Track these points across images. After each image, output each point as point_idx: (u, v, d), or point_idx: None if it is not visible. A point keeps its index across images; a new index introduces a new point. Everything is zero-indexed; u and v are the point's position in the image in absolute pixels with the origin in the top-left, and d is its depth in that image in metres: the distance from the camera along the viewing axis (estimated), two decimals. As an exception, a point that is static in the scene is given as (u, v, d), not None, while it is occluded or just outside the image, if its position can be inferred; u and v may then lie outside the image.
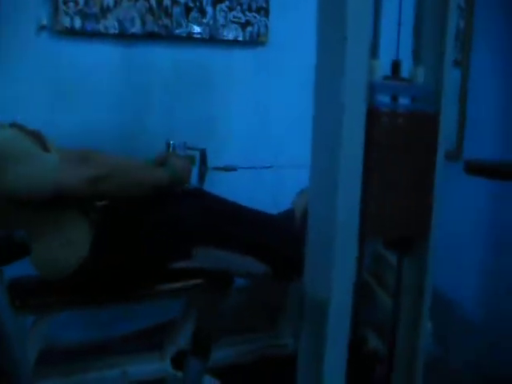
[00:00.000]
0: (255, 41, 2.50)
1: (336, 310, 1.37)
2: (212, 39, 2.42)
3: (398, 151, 1.41)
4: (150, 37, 2.31)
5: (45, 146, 1.77)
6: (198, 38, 2.39)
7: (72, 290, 1.74)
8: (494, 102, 2.28)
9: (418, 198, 1.52)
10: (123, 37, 2.26)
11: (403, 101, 1.48)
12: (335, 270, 1.35)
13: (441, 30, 1.57)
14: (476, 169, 1.39)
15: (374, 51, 1.39)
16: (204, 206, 1.81)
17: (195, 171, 1.95)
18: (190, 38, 2.37)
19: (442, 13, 1.55)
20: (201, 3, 2.38)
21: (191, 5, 2.36)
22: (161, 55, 2.35)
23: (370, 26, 1.33)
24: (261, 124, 2.57)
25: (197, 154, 1.99)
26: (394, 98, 1.39)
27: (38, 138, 1.76)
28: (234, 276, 1.50)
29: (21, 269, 1.50)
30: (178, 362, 1.45)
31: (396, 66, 1.42)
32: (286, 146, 2.58)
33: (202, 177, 1.98)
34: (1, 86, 2.12)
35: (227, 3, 2.42)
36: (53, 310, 1.82)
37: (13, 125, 1.79)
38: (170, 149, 1.97)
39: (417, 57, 1.50)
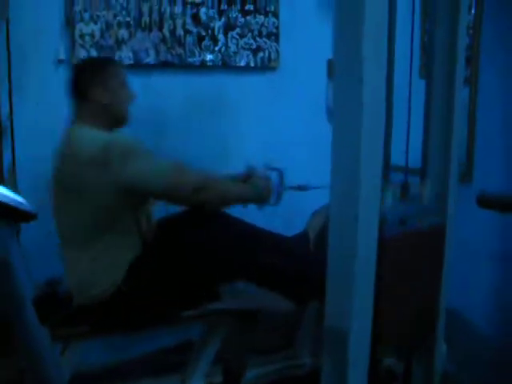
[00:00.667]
0: (266, 66, 2.56)
1: (356, 339, 1.44)
2: (224, 66, 2.48)
3: (410, 265, 1.54)
4: (164, 66, 2.37)
5: None
6: (210, 66, 2.46)
7: (103, 315, 1.78)
8: (502, 120, 2.32)
9: (427, 304, 1.66)
10: (138, 67, 2.33)
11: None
12: (355, 303, 1.42)
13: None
14: (488, 203, 1.45)
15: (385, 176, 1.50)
16: (235, 236, 1.88)
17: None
18: (203, 66, 2.44)
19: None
20: (213, 31, 2.44)
21: (203, 33, 2.42)
22: (175, 83, 2.41)
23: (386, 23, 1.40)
24: (270, 145, 2.62)
25: (275, 174, 2.08)
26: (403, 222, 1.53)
27: None
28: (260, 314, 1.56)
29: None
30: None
31: (404, 188, 1.61)
32: (297, 168, 2.64)
33: (279, 196, 2.06)
34: (21, 116, 2.18)
35: (238, 30, 2.49)
36: (84, 338, 1.87)
37: None
38: (252, 169, 2.10)
39: (423, 175, 1.64)
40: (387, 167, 1.55)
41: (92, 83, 1.89)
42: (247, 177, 2.09)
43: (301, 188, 2.16)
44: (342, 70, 1.43)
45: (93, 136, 1.81)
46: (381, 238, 1.41)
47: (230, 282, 1.95)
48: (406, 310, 1.58)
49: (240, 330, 1.40)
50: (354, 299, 1.44)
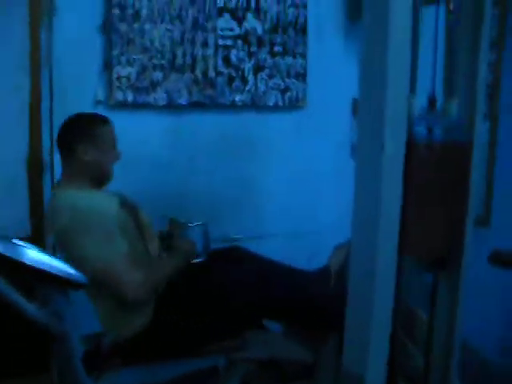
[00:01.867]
0: (294, 105, 2.66)
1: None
2: (254, 105, 2.58)
3: (435, 179, 1.51)
4: (196, 106, 2.48)
5: (137, 220, 1.99)
6: (240, 105, 2.56)
7: (134, 351, 1.88)
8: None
9: (453, 220, 1.60)
10: (171, 107, 2.44)
11: (438, 132, 1.64)
12: (371, 349, 1.50)
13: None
14: (500, 260, 1.50)
15: (412, 87, 1.53)
16: (253, 278, 1.96)
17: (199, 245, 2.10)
18: (233, 106, 2.55)
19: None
20: (242, 72, 2.55)
21: (234, 74, 2.53)
22: (206, 122, 2.52)
23: (409, 65, 1.45)
24: (297, 183, 2.72)
25: (199, 230, 2.12)
26: (430, 130, 1.51)
27: (134, 212, 2.00)
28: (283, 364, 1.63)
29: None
30: None
31: (432, 102, 1.55)
32: (322, 203, 2.73)
33: (205, 250, 2.10)
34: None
35: (267, 71, 2.59)
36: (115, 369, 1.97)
37: (115, 193, 2.02)
38: (175, 224, 2.12)
39: (450, 90, 1.61)
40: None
41: (81, 140, 1.92)
42: (170, 234, 2.11)
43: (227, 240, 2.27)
44: (366, 109, 1.47)
45: (68, 199, 1.86)
46: (408, 144, 1.39)
47: (254, 319, 2.05)
48: (432, 219, 1.59)
49: (264, 378, 1.48)
50: (370, 346, 1.52)
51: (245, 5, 2.52)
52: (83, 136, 1.92)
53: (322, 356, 2.34)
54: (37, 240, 2.36)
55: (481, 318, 2.24)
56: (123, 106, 2.37)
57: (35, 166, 2.31)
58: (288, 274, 2.19)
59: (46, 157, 2.31)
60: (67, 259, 1.76)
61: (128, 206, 2.03)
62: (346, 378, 1.59)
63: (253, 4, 2.54)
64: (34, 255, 1.11)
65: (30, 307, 1.06)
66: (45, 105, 2.29)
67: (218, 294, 1.95)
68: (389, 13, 1.34)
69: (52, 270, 1.10)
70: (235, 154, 2.60)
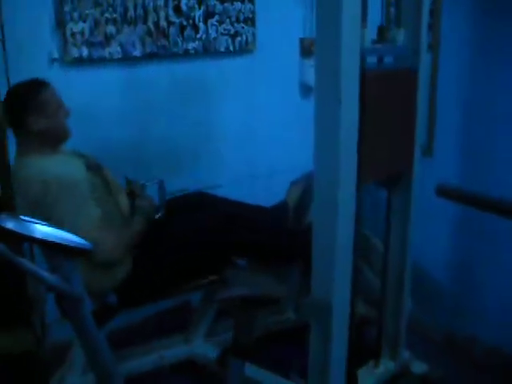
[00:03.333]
0: (244, 49, 2.75)
1: (338, 309, 1.73)
2: (206, 52, 2.66)
3: (387, 104, 1.74)
4: (151, 57, 2.53)
5: (103, 178, 2.08)
6: (193, 53, 2.63)
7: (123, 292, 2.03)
8: (461, 90, 2.54)
9: (404, 140, 1.86)
10: (126, 60, 2.48)
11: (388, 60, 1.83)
12: (336, 276, 1.70)
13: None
14: (445, 193, 1.70)
15: (363, 21, 1.64)
16: (222, 221, 2.15)
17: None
18: (186, 54, 2.61)
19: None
20: (193, 21, 2.60)
21: (185, 23, 2.58)
22: (161, 72, 2.58)
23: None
24: (251, 124, 2.87)
25: (155, 187, 2.24)
26: (381, 60, 1.77)
27: (99, 171, 2.09)
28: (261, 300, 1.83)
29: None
30: (222, 361, 1.78)
31: (382, 31, 1.80)
32: (274, 143, 2.89)
33: (161, 205, 2.23)
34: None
35: (217, 17, 2.65)
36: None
37: (77, 154, 2.08)
38: (132, 184, 2.21)
39: (398, 21, 1.85)
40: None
41: (28, 113, 1.95)
42: (129, 193, 2.21)
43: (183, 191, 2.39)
44: (323, 55, 1.57)
45: (37, 170, 1.91)
46: (362, 74, 1.59)
47: (224, 257, 2.23)
48: (385, 142, 1.78)
49: (246, 311, 1.67)
50: (335, 273, 1.72)
51: (191, -48, 2.56)
52: (28, 109, 1.94)
53: (288, 287, 2.57)
54: (5, 203, 2.40)
55: (429, 241, 2.49)
56: (79, 62, 2.39)
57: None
58: (249, 212, 2.37)
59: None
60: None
61: (92, 166, 2.11)
62: (314, 304, 1.81)
63: (199, -49, 2.58)
64: (42, 229, 1.22)
65: (44, 274, 1.19)
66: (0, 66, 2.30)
67: (186, 238, 2.13)
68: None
69: (60, 241, 1.22)
70: (192, 101, 2.69)
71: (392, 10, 2.02)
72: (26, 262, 1.15)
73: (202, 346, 2.38)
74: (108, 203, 2.06)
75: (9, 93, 1.97)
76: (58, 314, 2.08)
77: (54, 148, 2.02)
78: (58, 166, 1.98)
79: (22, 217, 1.21)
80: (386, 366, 2.24)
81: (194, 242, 2.13)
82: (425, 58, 1.92)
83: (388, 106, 1.77)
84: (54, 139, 2.02)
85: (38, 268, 1.19)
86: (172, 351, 2.36)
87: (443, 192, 1.76)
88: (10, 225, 1.21)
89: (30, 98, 1.95)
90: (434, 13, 2.51)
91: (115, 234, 1.96)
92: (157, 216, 2.17)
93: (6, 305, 2.41)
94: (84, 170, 2.03)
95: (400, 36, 1.88)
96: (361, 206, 1.73)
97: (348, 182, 1.66)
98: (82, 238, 1.73)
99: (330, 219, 1.68)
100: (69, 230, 1.74)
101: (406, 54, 1.90)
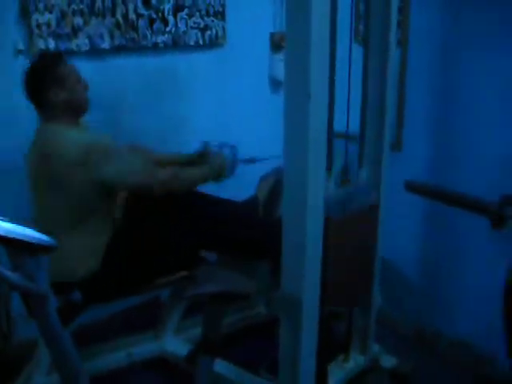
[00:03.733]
0: (214, 43, 2.73)
1: (308, 303, 1.74)
2: (176, 45, 2.62)
3: (350, 242, 1.87)
4: (119, 50, 2.49)
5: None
6: (162, 47, 2.59)
7: (87, 291, 1.98)
8: (431, 85, 2.57)
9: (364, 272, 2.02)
10: (94, 52, 2.43)
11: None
12: (306, 271, 1.70)
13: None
14: (413, 189, 1.72)
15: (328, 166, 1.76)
16: (196, 214, 2.15)
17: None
18: (155, 47, 2.57)
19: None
20: (163, 14, 2.56)
21: (154, 16, 2.54)
22: (130, 65, 2.54)
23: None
24: (221, 117, 2.84)
25: (228, 150, 2.32)
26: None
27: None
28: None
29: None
30: (191, 358, 1.77)
31: (344, 172, 1.93)
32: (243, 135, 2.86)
33: (232, 170, 2.32)
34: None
35: (187, 11, 2.62)
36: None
37: None
38: (206, 146, 2.36)
39: (360, 161, 1.95)
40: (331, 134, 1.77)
41: (48, 86, 2.02)
42: (202, 154, 2.34)
43: (251, 160, 2.40)
44: (292, 50, 1.60)
45: (72, 137, 1.99)
46: (326, 221, 1.70)
47: (194, 252, 2.21)
48: (348, 275, 1.91)
49: (215, 308, 1.67)
50: (305, 269, 1.73)
51: None
52: (47, 81, 2.02)
53: (258, 282, 2.56)
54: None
55: (398, 236, 2.52)
56: (45, 54, 2.34)
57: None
58: (219, 205, 2.35)
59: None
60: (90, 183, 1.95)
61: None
62: (284, 298, 1.81)
63: None
64: (3, 225, 1.19)
65: (7, 273, 1.16)
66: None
67: (156, 233, 2.11)
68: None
69: (22, 238, 1.19)
70: (161, 94, 2.67)
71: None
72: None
73: (172, 343, 2.37)
74: None
75: (28, 70, 2.05)
76: (24, 311, 2.05)
77: (76, 119, 2.10)
78: (90, 133, 2.14)
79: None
80: (355, 360, 2.26)
81: (163, 237, 2.11)
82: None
83: (351, 243, 1.90)
84: (75, 111, 2.08)
85: (1, 267, 1.15)
86: (141, 348, 2.34)
87: (411, 187, 1.78)
88: (-33, 221, 1.18)
89: (49, 71, 2.03)
90: (402, 8, 2.53)
91: (170, 168, 2.11)
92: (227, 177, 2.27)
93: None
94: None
95: (362, 174, 2.02)
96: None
97: (317, 176, 1.67)
98: (138, 176, 2.00)
99: (299, 213, 1.69)
100: (125, 179, 2.00)
101: (368, 192, 2.01)
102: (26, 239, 1.19)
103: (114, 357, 2.29)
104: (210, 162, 2.27)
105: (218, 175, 2.25)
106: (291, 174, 1.68)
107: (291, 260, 1.75)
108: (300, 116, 1.60)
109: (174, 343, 2.36)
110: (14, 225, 1.23)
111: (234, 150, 2.34)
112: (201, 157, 2.35)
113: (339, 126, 1.86)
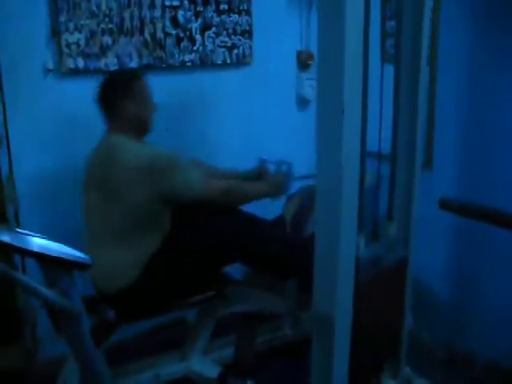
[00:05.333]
0: (241, 62, 2.73)
1: (340, 322, 1.70)
2: (203, 64, 2.63)
3: (380, 296, 1.80)
4: (147, 68, 2.48)
5: None
6: (189, 65, 2.60)
7: (126, 303, 1.98)
8: (458, 105, 2.54)
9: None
10: (123, 71, 2.44)
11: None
12: (339, 289, 1.67)
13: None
14: (448, 206, 1.69)
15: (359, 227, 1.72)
16: (231, 229, 2.13)
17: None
18: (183, 66, 2.58)
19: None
20: (190, 32, 2.58)
21: (182, 35, 2.55)
22: (157, 83, 2.50)
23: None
24: (248, 136, 2.84)
25: (285, 167, 2.36)
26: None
27: None
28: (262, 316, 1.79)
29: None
30: (222, 380, 1.73)
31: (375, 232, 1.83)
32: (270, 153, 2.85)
33: (289, 186, 2.34)
34: (14, 125, 2.29)
35: (214, 29, 2.63)
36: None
37: None
38: (264, 163, 2.41)
39: (390, 216, 1.88)
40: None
41: (121, 97, 2.08)
42: (260, 172, 2.39)
43: (307, 177, 2.36)
44: (325, 81, 1.58)
45: (137, 149, 2.03)
46: (356, 280, 1.67)
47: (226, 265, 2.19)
48: (376, 332, 1.85)
49: (247, 328, 1.63)
50: (337, 288, 1.69)
51: (189, -37, 2.54)
52: (122, 93, 2.08)
53: (286, 301, 2.53)
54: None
55: (429, 255, 2.47)
56: (74, 72, 2.35)
57: (-11, 139, 2.30)
58: (248, 222, 2.33)
59: (0, 129, 2.30)
60: (148, 194, 1.96)
61: None
62: (315, 318, 1.77)
63: (197, -38, 2.56)
64: (38, 242, 1.18)
65: (43, 290, 1.14)
66: (-6, 76, 2.26)
67: (187, 252, 2.07)
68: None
69: (58, 255, 1.17)
70: (189, 112, 2.67)
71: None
72: (24, 278, 1.10)
73: (200, 364, 2.32)
74: None
75: (105, 80, 2.11)
76: (50, 329, 2.03)
77: (139, 136, 2.14)
78: (152, 147, 2.13)
79: (18, 230, 1.17)
80: (387, 383, 2.20)
81: (194, 257, 2.08)
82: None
83: (380, 298, 1.83)
84: (140, 127, 2.13)
85: (37, 284, 1.14)
86: (168, 369, 2.30)
87: (446, 205, 1.74)
88: (6, 238, 1.17)
89: (126, 83, 2.10)
90: (432, 27, 2.50)
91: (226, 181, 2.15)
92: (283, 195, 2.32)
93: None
94: None
95: (392, 229, 1.95)
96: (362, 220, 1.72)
97: (351, 193, 1.63)
98: (201, 187, 2.01)
99: (332, 231, 1.65)
100: (188, 187, 2.00)
101: (397, 246, 1.94)
102: (61, 256, 1.18)
103: (142, 378, 2.25)
104: (269, 179, 2.32)
105: (276, 193, 2.30)
106: (324, 191, 1.65)
107: (323, 278, 1.71)
108: (333, 132, 1.58)
109: (202, 364, 2.31)
110: (49, 241, 1.22)
111: (290, 166, 2.36)
112: (259, 174, 2.39)
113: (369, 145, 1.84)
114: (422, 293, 2.58)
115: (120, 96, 2.07)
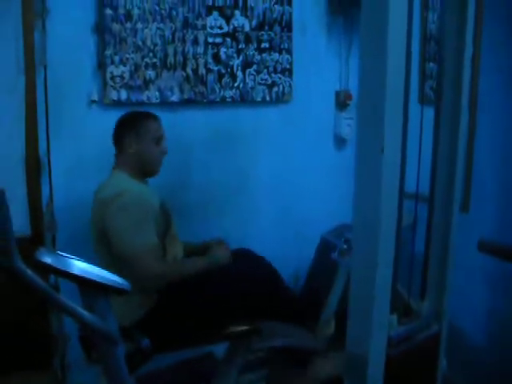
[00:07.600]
0: (281, 99, 2.75)
1: (374, 364, 1.66)
2: (243, 100, 2.67)
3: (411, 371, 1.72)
4: (188, 103, 2.55)
5: (168, 227, 2.16)
6: (230, 101, 2.64)
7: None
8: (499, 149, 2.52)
9: None
10: (164, 105, 2.49)
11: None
12: (374, 331, 1.63)
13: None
14: (487, 249, 1.65)
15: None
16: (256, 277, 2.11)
17: None
18: (223, 101, 2.62)
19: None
20: (231, 69, 2.62)
21: (223, 71, 2.60)
22: (198, 118, 2.59)
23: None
24: (285, 174, 2.84)
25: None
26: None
27: (168, 218, 2.17)
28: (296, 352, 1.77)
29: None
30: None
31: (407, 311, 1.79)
32: (306, 191, 2.88)
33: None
34: (58, 153, 2.35)
35: (255, 67, 2.67)
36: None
37: (156, 192, 2.19)
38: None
39: (423, 294, 1.83)
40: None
41: (126, 135, 2.13)
42: (205, 247, 2.28)
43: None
44: (365, 120, 1.57)
45: (117, 183, 2.06)
46: (388, 356, 1.62)
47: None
48: None
49: (282, 363, 1.61)
50: (372, 328, 1.66)
51: (233, 3, 2.59)
52: (128, 130, 2.12)
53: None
54: (36, 239, 2.41)
55: (466, 300, 2.41)
56: (117, 104, 2.40)
57: (32, 166, 2.34)
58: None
59: (42, 156, 2.34)
60: (100, 231, 1.97)
61: (165, 210, 2.18)
62: (349, 359, 1.74)
63: (240, 2, 2.61)
64: (79, 265, 1.19)
65: (84, 313, 1.15)
66: (40, 105, 2.31)
67: (227, 286, 2.08)
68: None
69: (99, 279, 1.18)
70: (227, 147, 2.69)
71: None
72: (63, 300, 1.11)
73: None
74: (164, 242, 2.12)
75: (119, 119, 2.18)
76: (79, 357, 2.02)
77: (142, 176, 2.16)
78: (140, 186, 2.13)
79: (59, 252, 1.18)
80: None
81: (233, 293, 2.07)
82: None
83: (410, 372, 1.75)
84: (143, 168, 2.15)
85: (76, 306, 1.14)
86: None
87: (485, 247, 1.70)
88: (48, 260, 1.19)
89: (133, 122, 2.14)
90: (472, 69, 2.50)
91: (164, 264, 2.03)
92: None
93: (25, 345, 2.38)
94: (158, 203, 2.12)
95: (424, 308, 1.89)
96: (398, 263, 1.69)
97: (388, 236, 1.62)
98: (134, 253, 1.89)
99: (368, 272, 1.63)
100: (123, 245, 1.92)
101: (430, 323, 1.88)
102: (102, 280, 1.19)
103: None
104: (212, 253, 2.22)
105: (217, 265, 2.17)
106: (361, 232, 1.63)
107: (357, 319, 1.68)
108: (372, 171, 1.58)
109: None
110: (89, 265, 1.23)
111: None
112: (204, 248, 2.29)
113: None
114: (458, 338, 2.51)
115: (126, 133, 2.12)
